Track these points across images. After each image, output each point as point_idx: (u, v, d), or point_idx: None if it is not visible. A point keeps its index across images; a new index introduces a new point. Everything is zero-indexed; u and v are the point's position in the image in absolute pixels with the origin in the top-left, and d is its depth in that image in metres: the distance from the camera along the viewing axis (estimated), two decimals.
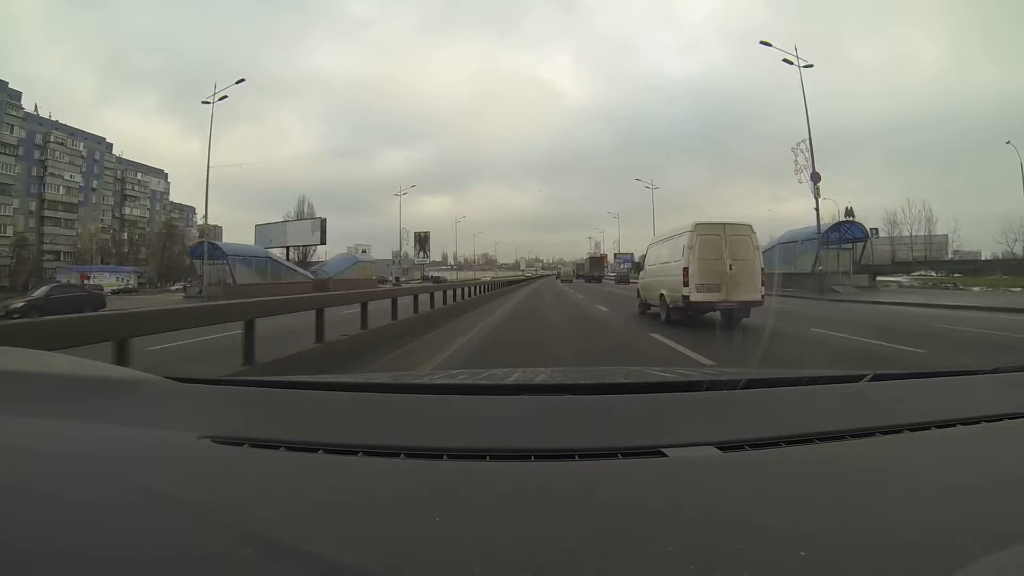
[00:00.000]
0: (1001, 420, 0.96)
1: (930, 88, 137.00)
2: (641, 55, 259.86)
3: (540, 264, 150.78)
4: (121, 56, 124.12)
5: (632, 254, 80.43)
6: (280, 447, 0.82)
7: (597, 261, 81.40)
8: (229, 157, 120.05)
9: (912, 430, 0.92)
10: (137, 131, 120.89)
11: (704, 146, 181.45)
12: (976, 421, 0.95)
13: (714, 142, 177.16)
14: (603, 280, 63.00)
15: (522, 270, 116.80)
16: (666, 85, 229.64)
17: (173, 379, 1.16)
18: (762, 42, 26.97)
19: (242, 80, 33.26)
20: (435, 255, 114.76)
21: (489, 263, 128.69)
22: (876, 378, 1.27)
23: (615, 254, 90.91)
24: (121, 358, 3.22)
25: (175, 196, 77.02)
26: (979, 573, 0.50)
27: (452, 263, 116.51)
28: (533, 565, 0.52)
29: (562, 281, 61.56)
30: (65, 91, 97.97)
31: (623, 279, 57.71)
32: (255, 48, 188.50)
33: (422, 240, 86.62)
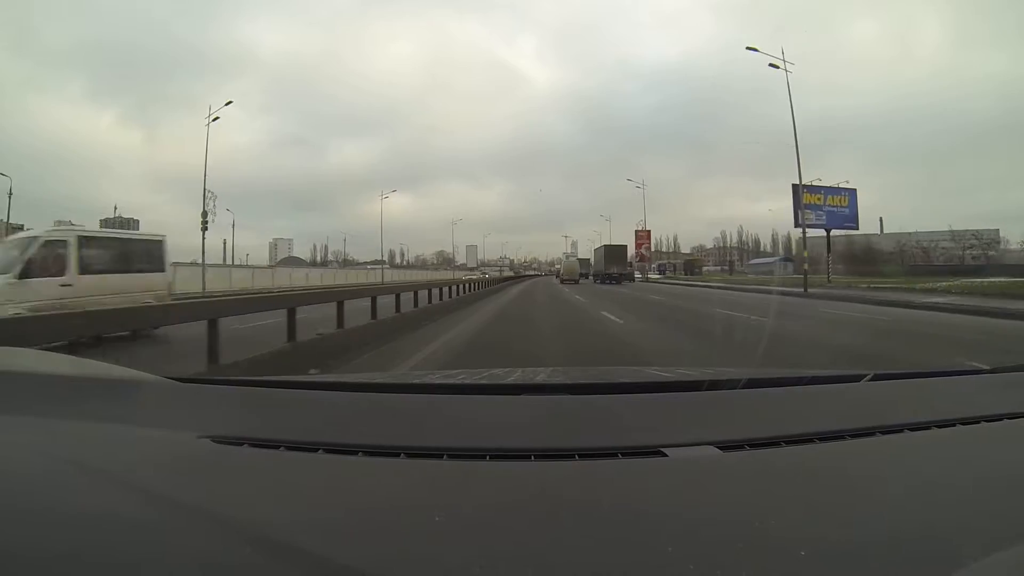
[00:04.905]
0: (1001, 420, 0.96)
1: (929, 81, 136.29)
2: (614, 39, 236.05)
3: (508, 264, 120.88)
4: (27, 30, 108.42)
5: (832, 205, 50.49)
6: (280, 447, 0.82)
7: (616, 252, 47.78)
8: (171, 152, 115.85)
9: (912, 430, 0.92)
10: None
11: (682, 141, 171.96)
12: (976, 421, 0.95)
13: (694, 137, 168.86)
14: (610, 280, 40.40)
15: (471, 268, 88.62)
16: (642, 73, 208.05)
17: (173, 379, 1.16)
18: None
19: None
20: (380, 253, 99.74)
21: (445, 262, 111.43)
22: (876, 378, 1.28)
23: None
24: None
25: (114, 192, 71.18)
26: (979, 573, 0.50)
27: (400, 261, 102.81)
28: (533, 565, 0.52)
29: (563, 281, 43.62)
30: None
31: (627, 277, 51.50)
32: (179, 21, 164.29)
33: None
